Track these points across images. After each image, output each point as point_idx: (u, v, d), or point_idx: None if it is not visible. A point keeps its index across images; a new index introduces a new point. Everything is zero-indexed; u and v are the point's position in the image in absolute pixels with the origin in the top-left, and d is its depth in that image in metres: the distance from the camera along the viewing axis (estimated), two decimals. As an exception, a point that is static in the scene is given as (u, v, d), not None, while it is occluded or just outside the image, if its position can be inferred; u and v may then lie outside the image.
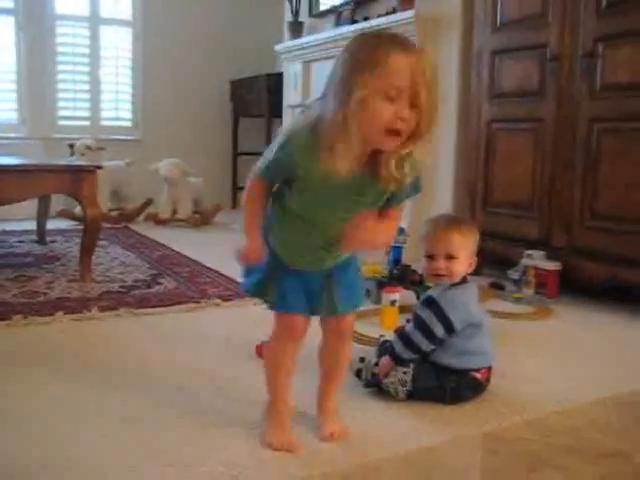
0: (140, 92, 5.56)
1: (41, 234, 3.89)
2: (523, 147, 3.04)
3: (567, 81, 2.81)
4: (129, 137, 5.56)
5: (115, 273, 3.11)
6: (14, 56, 5.12)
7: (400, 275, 2.70)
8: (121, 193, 5.02)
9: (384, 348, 1.83)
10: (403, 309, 2.36)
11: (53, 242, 3.92)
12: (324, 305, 1.41)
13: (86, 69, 5.38)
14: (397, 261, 2.82)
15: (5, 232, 4.20)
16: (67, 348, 2.06)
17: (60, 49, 5.27)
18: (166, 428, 1.50)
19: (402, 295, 2.41)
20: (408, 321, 1.76)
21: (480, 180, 3.26)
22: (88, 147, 4.68)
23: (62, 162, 3.50)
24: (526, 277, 2.87)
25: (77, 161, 4.34)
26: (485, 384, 1.71)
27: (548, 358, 2.08)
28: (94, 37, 5.37)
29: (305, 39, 4.72)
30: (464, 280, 1.72)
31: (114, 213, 4.89)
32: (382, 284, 2.59)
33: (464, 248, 1.68)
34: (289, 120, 4.98)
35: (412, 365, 1.66)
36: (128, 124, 5.63)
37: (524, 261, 2.89)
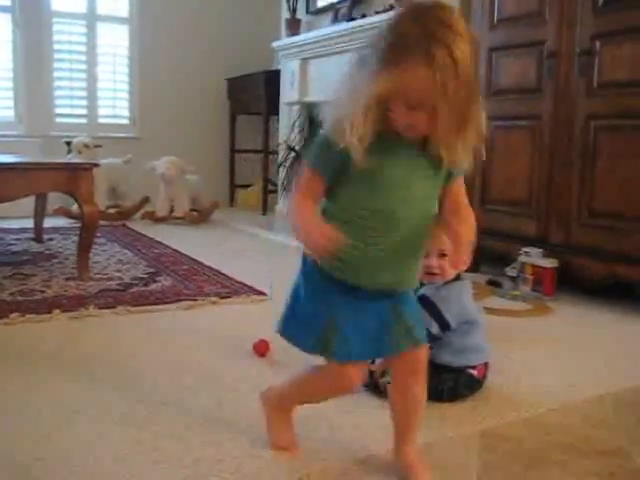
0: (137, 90, 5.55)
1: (38, 232, 3.89)
2: (521, 144, 3.04)
3: (564, 78, 2.81)
4: (126, 135, 5.54)
5: (112, 271, 3.10)
6: (10, 53, 5.10)
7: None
8: (118, 191, 5.01)
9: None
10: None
11: (50, 240, 3.91)
12: (396, 340, 1.23)
13: (83, 66, 5.37)
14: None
15: (2, 230, 4.18)
16: (64, 346, 2.06)
17: (57, 46, 5.25)
18: (160, 424, 1.50)
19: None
20: None
21: (478, 177, 3.26)
22: (85, 145, 4.67)
23: (59, 160, 3.49)
24: (523, 274, 2.87)
25: (74, 159, 4.33)
26: (482, 381, 1.72)
27: (545, 355, 2.08)
28: (91, 34, 5.36)
29: (302, 36, 4.72)
30: (458, 277, 1.72)
31: (111, 211, 4.88)
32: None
33: None
34: (286, 117, 4.98)
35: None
36: (125, 122, 5.62)
37: (521, 258, 2.89)
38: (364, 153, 1.09)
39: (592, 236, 2.72)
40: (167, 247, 3.78)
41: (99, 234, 3.63)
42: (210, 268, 3.19)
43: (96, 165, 3.08)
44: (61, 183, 2.92)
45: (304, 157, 1.21)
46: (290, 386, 1.38)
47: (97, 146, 4.74)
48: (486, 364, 1.73)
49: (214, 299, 2.61)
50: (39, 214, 3.88)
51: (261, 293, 2.71)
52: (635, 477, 1.34)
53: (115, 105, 5.59)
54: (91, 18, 5.36)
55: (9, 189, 2.80)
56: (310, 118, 4.55)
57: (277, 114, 5.14)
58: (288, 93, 4.95)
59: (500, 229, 3.12)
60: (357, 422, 1.54)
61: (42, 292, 2.67)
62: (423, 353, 1.27)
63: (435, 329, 1.65)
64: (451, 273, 1.68)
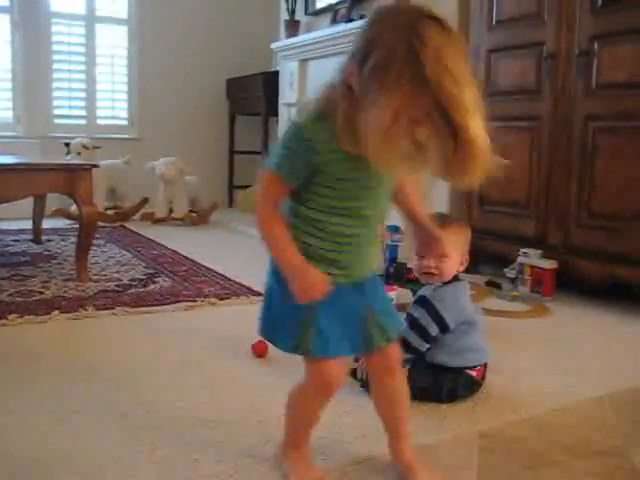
0: (136, 91, 5.55)
1: (37, 233, 3.88)
2: (519, 145, 3.04)
3: (563, 79, 2.81)
4: (125, 136, 5.54)
5: (111, 272, 3.10)
6: (9, 54, 5.10)
7: (396, 273, 2.70)
8: (117, 192, 5.01)
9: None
10: (399, 307, 2.35)
11: (49, 241, 3.91)
12: (370, 337, 1.23)
13: (82, 67, 5.37)
14: (393, 259, 2.82)
15: (1, 231, 4.18)
16: (63, 347, 2.05)
17: (55, 47, 5.25)
18: (159, 425, 1.50)
19: (398, 293, 2.41)
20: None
21: (476, 178, 3.26)
22: (84, 146, 4.67)
23: (58, 161, 3.49)
24: (522, 275, 2.87)
25: (73, 160, 4.32)
26: (481, 382, 1.72)
27: (544, 356, 2.08)
28: (90, 35, 5.36)
29: (301, 37, 4.71)
30: (456, 278, 1.72)
31: (110, 212, 4.88)
32: (378, 282, 2.59)
33: (454, 247, 1.67)
34: (285, 118, 4.98)
35: (407, 365, 1.65)
36: (124, 123, 5.61)
37: (520, 259, 2.89)
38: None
39: (591, 237, 2.72)
40: (166, 248, 3.78)
41: (98, 235, 3.63)
42: (209, 269, 3.19)
43: (95, 166, 3.08)
44: (60, 184, 2.91)
45: (270, 158, 1.15)
46: (286, 416, 1.32)
47: (96, 147, 4.74)
48: (485, 365, 1.73)
49: (213, 300, 2.61)
50: (38, 215, 3.88)
51: (260, 294, 2.70)
52: (634, 477, 1.34)
53: (114, 106, 5.59)
54: (90, 19, 5.36)
55: (8, 190, 2.80)
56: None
57: (276, 115, 5.14)
58: (287, 94, 4.95)
59: (499, 230, 3.12)
60: (357, 422, 1.53)
61: (41, 293, 2.66)
62: (395, 350, 1.28)
63: (434, 330, 1.65)
64: (449, 274, 1.68)
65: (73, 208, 4.19)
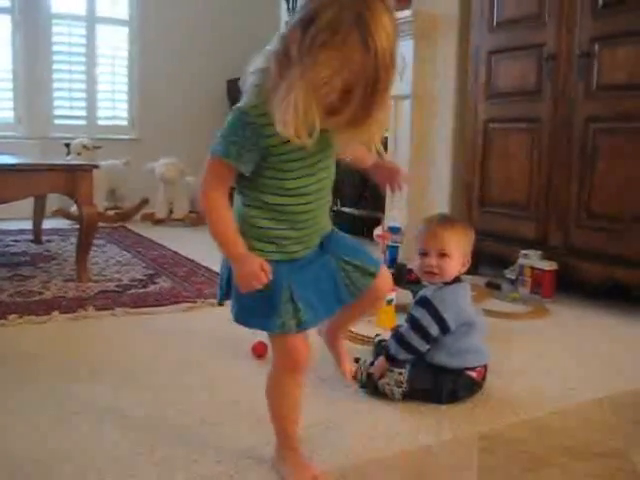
0: (136, 91, 5.55)
1: (37, 233, 3.88)
2: (520, 147, 3.04)
3: (564, 81, 2.81)
4: (125, 136, 5.54)
5: (111, 272, 3.10)
6: (10, 55, 5.10)
7: (397, 274, 2.69)
8: (118, 192, 5.01)
9: (380, 348, 1.83)
10: (400, 308, 2.35)
11: (49, 241, 3.91)
12: (354, 284, 1.28)
13: (82, 68, 5.36)
14: (393, 260, 2.82)
15: (1, 231, 4.18)
16: (63, 347, 2.05)
17: (56, 48, 5.25)
18: (159, 425, 1.50)
19: (398, 294, 2.41)
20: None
21: (477, 180, 3.26)
22: (84, 146, 4.67)
23: (58, 161, 3.49)
24: (522, 277, 2.87)
25: (73, 160, 4.32)
26: (481, 383, 1.71)
27: (544, 358, 2.08)
28: (90, 36, 5.35)
29: (302, 38, 4.71)
30: (458, 279, 1.71)
31: (110, 212, 4.88)
32: (379, 284, 2.58)
33: (457, 247, 1.67)
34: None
35: (407, 366, 1.65)
36: (124, 123, 5.61)
37: (520, 261, 2.89)
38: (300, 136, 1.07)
39: (591, 238, 2.72)
40: (166, 249, 3.78)
41: (98, 236, 3.62)
42: (209, 270, 3.19)
43: (95, 167, 3.08)
44: (60, 184, 2.91)
45: (215, 141, 1.15)
46: (272, 417, 1.33)
47: (96, 147, 4.74)
48: (485, 366, 1.73)
49: (213, 301, 2.61)
50: (38, 215, 3.88)
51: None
52: (634, 479, 1.34)
53: (114, 107, 5.59)
54: (91, 20, 5.35)
55: (8, 190, 2.80)
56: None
57: (276, 116, 5.14)
58: (287, 95, 4.95)
59: (499, 231, 3.12)
60: (355, 424, 1.53)
61: (41, 293, 2.66)
62: (384, 279, 1.35)
63: (434, 330, 1.64)
64: (450, 274, 1.68)
65: (73, 209, 4.19)
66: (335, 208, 4.39)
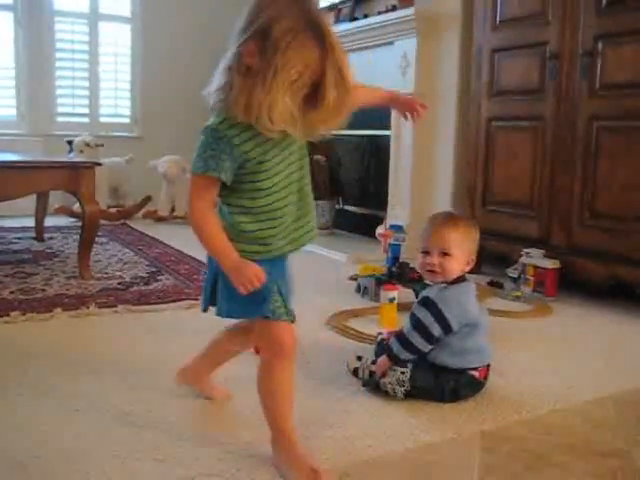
0: (139, 89, 5.55)
1: (39, 231, 3.89)
2: (523, 145, 3.04)
3: (567, 79, 2.81)
4: (128, 134, 5.54)
5: (113, 270, 3.10)
6: (12, 52, 5.10)
7: (399, 273, 2.70)
8: (120, 190, 5.01)
9: (382, 346, 1.82)
10: (402, 307, 2.35)
11: (51, 239, 3.91)
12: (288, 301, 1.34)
13: (85, 65, 5.37)
14: (396, 259, 2.82)
15: (3, 229, 4.19)
16: (64, 345, 2.06)
17: (59, 45, 5.25)
18: (160, 423, 1.50)
19: (401, 293, 2.41)
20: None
21: (479, 178, 3.26)
22: (87, 144, 4.68)
23: (61, 159, 3.49)
24: (525, 275, 2.87)
25: (76, 158, 4.33)
26: (483, 382, 1.71)
27: (546, 356, 2.08)
28: (93, 33, 5.36)
29: (304, 36, 4.71)
30: (462, 279, 1.71)
31: (113, 210, 4.88)
32: (381, 282, 2.59)
33: (460, 246, 1.66)
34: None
35: (410, 365, 1.65)
36: (127, 121, 5.62)
37: (523, 259, 2.89)
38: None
39: (594, 237, 2.71)
40: (168, 246, 3.78)
41: (100, 233, 3.63)
42: (211, 268, 3.18)
43: (98, 164, 3.08)
44: (63, 182, 2.92)
45: (193, 162, 1.24)
46: (265, 409, 1.35)
47: (99, 145, 4.75)
48: (488, 366, 1.72)
49: (215, 299, 2.61)
50: (40, 213, 3.88)
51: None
52: (636, 478, 1.34)
53: (117, 104, 5.59)
54: (93, 17, 5.36)
55: (11, 188, 2.80)
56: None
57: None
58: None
59: (502, 230, 3.11)
60: (357, 422, 1.53)
61: (43, 291, 2.67)
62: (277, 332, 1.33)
63: (436, 331, 1.64)
64: (452, 273, 1.68)
65: (76, 206, 4.19)
66: (338, 207, 4.40)
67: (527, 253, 2.88)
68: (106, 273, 3.03)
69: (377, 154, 4.08)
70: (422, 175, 3.71)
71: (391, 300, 2.33)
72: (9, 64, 5.10)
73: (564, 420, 1.59)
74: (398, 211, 3.75)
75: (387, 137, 3.84)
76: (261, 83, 1.15)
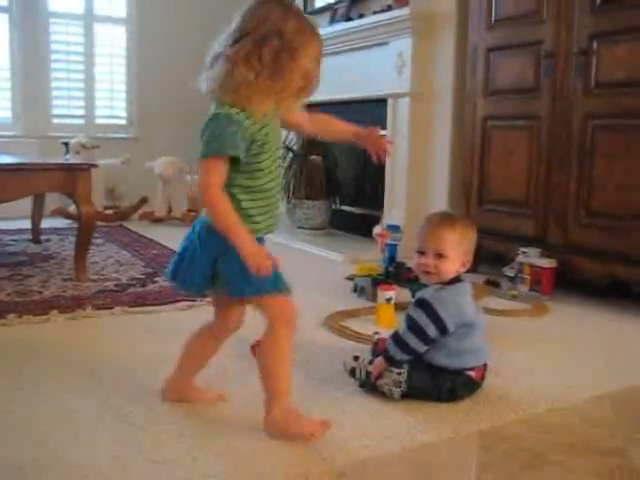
0: (135, 90, 5.55)
1: (36, 233, 3.88)
2: (518, 144, 3.04)
3: (562, 78, 2.81)
4: (124, 135, 5.54)
5: (110, 272, 3.10)
6: (8, 54, 5.10)
7: (396, 273, 2.70)
8: (116, 191, 5.01)
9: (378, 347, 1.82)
10: (399, 307, 2.36)
11: (48, 241, 3.90)
12: None
13: (80, 67, 5.36)
14: (392, 259, 2.82)
15: (-1, 231, 4.19)
16: (61, 346, 2.05)
17: (54, 47, 5.25)
18: (158, 424, 1.49)
19: (397, 293, 2.41)
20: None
21: (475, 178, 3.26)
22: (83, 145, 4.67)
23: (57, 160, 3.48)
24: (522, 274, 2.87)
25: (72, 159, 4.32)
26: (480, 382, 1.71)
27: (543, 356, 2.08)
28: (88, 35, 5.35)
29: (300, 36, 4.70)
30: (458, 279, 1.71)
31: (109, 211, 4.88)
32: (377, 282, 2.59)
33: (455, 247, 1.66)
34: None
35: (406, 366, 1.65)
36: (123, 122, 5.61)
37: (520, 258, 2.89)
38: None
39: (590, 236, 2.72)
40: (165, 248, 3.78)
41: (97, 235, 3.62)
42: (208, 268, 3.18)
43: (94, 166, 3.08)
44: (59, 184, 2.91)
45: (206, 145, 1.37)
46: (269, 378, 1.45)
47: (95, 147, 4.74)
48: (485, 366, 1.72)
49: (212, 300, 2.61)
50: (36, 215, 3.88)
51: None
52: (633, 477, 1.34)
53: (113, 105, 5.59)
54: (88, 18, 5.35)
55: (6, 190, 2.79)
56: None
57: (275, 114, 5.13)
58: (286, 93, 4.94)
59: (498, 229, 3.12)
60: (355, 422, 1.53)
61: (40, 293, 2.66)
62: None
63: (432, 331, 1.63)
64: (447, 274, 1.68)
65: (72, 208, 4.18)
66: (334, 207, 4.40)
67: (524, 252, 2.89)
68: (103, 275, 3.02)
69: (373, 154, 4.08)
70: (418, 175, 3.71)
71: (388, 300, 2.34)
72: (4, 65, 5.10)
73: (562, 419, 1.60)
74: (394, 211, 3.75)
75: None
76: (281, 76, 1.36)
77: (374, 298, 2.49)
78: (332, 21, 4.48)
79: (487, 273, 3.13)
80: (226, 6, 5.94)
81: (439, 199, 3.60)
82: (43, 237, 3.92)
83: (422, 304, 1.66)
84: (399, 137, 3.73)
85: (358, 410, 1.60)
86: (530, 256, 2.86)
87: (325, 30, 4.33)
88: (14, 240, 3.90)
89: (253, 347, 1.96)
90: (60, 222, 4.54)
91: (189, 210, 4.93)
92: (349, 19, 4.21)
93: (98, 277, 2.97)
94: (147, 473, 1.29)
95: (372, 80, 3.95)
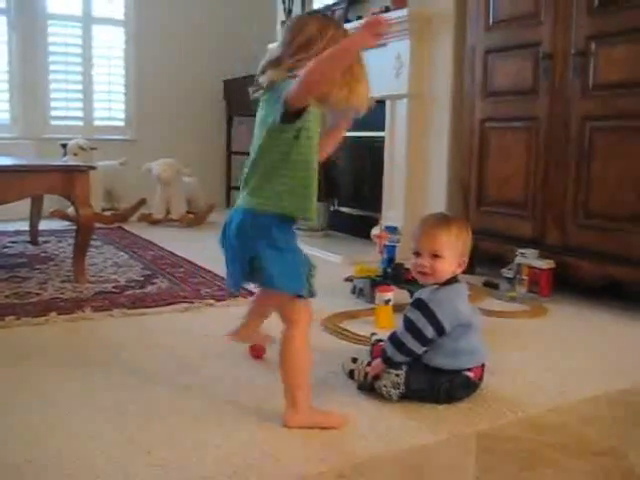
0: (133, 92, 5.55)
1: (34, 235, 3.88)
2: (516, 145, 3.05)
3: (560, 79, 2.81)
4: (122, 137, 5.54)
5: (108, 273, 3.10)
6: (6, 55, 5.10)
7: (394, 274, 2.70)
8: (114, 193, 5.01)
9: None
10: (397, 308, 2.36)
11: (46, 243, 3.90)
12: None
13: (78, 69, 5.37)
14: (391, 260, 2.82)
15: (-2, 233, 4.18)
16: (59, 348, 2.05)
17: (52, 48, 5.25)
18: (154, 425, 1.49)
19: (396, 294, 2.41)
20: None
21: (474, 179, 3.26)
22: (81, 147, 4.67)
23: (55, 162, 3.49)
24: (519, 276, 2.87)
25: (70, 161, 4.32)
26: (478, 382, 1.71)
27: (541, 356, 2.08)
28: (86, 37, 5.36)
29: (298, 38, 4.70)
30: (454, 280, 1.71)
31: (107, 213, 4.88)
32: (376, 283, 2.59)
33: (450, 248, 1.66)
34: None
35: (404, 367, 1.65)
36: (121, 124, 5.62)
37: (517, 259, 2.90)
38: None
39: (588, 237, 2.72)
40: (163, 249, 3.78)
41: (95, 236, 3.62)
42: (206, 270, 3.18)
43: (92, 167, 3.08)
44: (57, 186, 2.91)
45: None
46: (294, 379, 1.51)
47: (93, 148, 4.74)
48: (482, 366, 1.73)
49: (211, 301, 2.61)
50: (35, 216, 3.87)
51: (257, 295, 2.70)
52: (630, 477, 1.35)
53: (111, 107, 5.59)
54: (86, 20, 5.36)
55: (4, 192, 2.79)
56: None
57: (273, 116, 5.13)
58: (284, 95, 4.95)
59: (496, 230, 3.12)
60: (353, 423, 1.53)
61: (38, 295, 2.66)
62: None
63: (429, 332, 1.64)
64: (443, 275, 1.68)
65: (70, 209, 4.18)
66: (333, 208, 4.40)
67: (522, 253, 2.89)
68: (101, 277, 3.02)
69: (372, 156, 4.09)
70: (416, 176, 3.71)
71: (386, 302, 2.34)
72: (2, 67, 5.10)
73: (559, 419, 1.60)
74: (393, 212, 3.75)
75: (382, 138, 3.85)
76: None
77: (373, 299, 2.49)
78: (330, 23, 4.47)
79: (485, 274, 3.14)
80: (224, 8, 5.98)
81: (437, 201, 3.61)
82: (41, 239, 3.92)
83: (419, 305, 1.67)
84: (397, 138, 3.74)
85: (356, 411, 1.60)
86: (528, 257, 2.86)
87: (323, 32, 4.34)
88: (12, 242, 3.90)
89: (252, 348, 1.96)
90: (58, 224, 4.54)
91: (187, 212, 4.93)
92: (347, 21, 4.21)
93: (96, 279, 2.96)
94: (143, 475, 1.28)
95: (370, 82, 3.95)
